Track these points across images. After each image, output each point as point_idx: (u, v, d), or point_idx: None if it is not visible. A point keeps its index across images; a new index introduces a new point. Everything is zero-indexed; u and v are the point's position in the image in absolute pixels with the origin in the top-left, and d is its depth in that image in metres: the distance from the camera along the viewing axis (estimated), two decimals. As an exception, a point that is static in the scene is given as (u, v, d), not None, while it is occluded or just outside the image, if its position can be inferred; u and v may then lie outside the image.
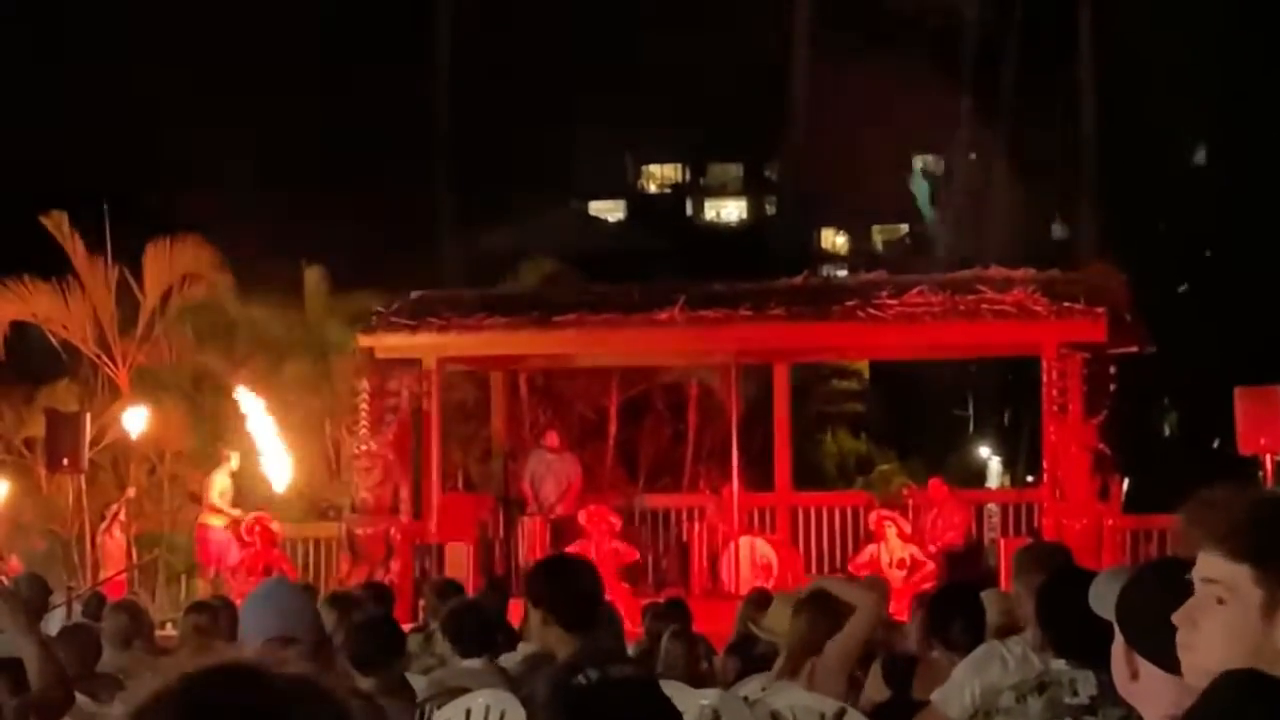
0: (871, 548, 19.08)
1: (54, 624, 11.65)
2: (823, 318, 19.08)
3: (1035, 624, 6.04)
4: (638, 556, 19.75)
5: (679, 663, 10.19)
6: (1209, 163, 48.05)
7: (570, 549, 18.53)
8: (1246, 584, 2.65)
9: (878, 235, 76.79)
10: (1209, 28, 41.49)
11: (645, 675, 6.44)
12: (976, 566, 18.45)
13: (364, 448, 19.50)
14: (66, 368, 24.92)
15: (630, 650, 10.15)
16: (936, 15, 51.64)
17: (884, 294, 19.03)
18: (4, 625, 5.88)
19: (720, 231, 76.72)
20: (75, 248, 24.33)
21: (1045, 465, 18.57)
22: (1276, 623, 2.63)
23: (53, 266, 24.45)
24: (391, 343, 19.67)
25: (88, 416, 21.03)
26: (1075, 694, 5.55)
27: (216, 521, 20.10)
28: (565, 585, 6.02)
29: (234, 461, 20.57)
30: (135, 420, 22.23)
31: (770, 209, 77.59)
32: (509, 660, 8.90)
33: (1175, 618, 2.74)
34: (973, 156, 55.88)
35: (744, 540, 19.15)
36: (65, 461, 20.45)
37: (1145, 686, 3.17)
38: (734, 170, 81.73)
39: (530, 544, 19.69)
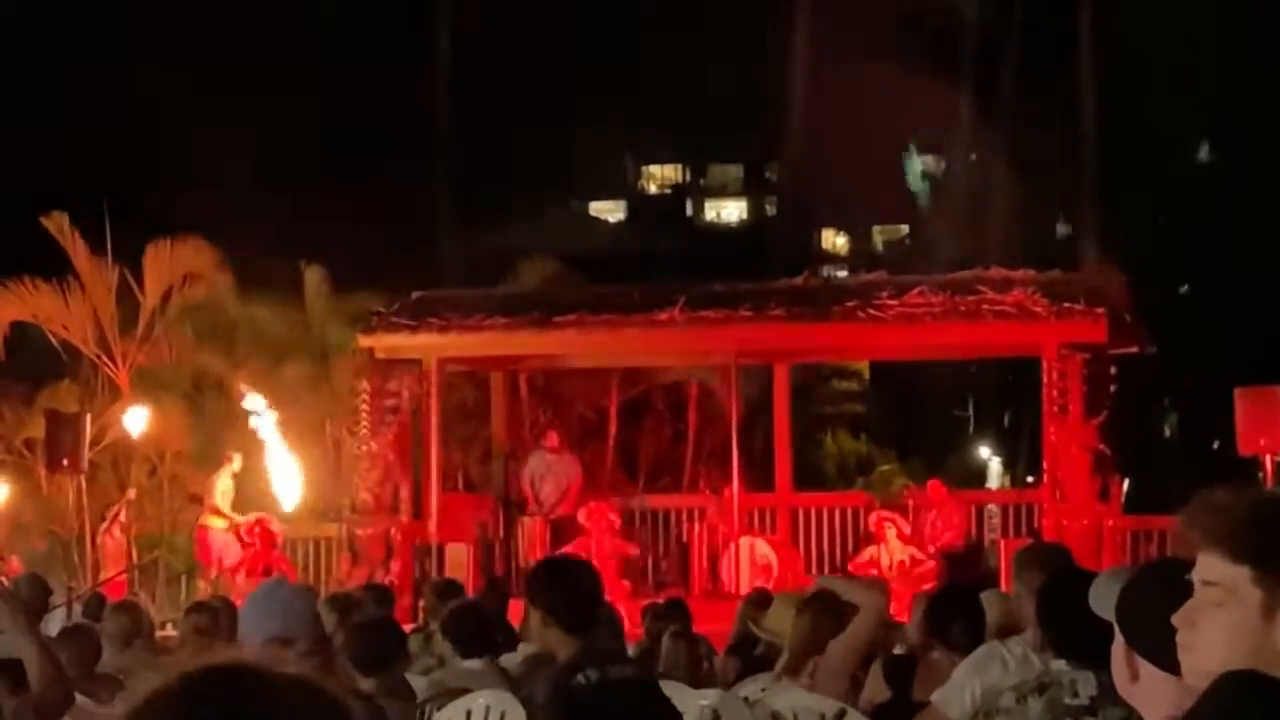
0: (871, 549, 19.09)
1: (54, 625, 11.65)
2: (823, 318, 19.08)
3: (1035, 625, 6.05)
4: (637, 551, 19.76)
5: (679, 663, 10.19)
6: (1209, 163, 48.03)
7: (570, 546, 18.56)
8: (1246, 585, 2.65)
9: (878, 236, 76.79)
10: (1209, 28, 41.46)
11: (645, 676, 6.45)
12: (976, 567, 18.45)
13: (364, 448, 19.50)
14: (67, 368, 24.92)
15: (630, 651, 10.14)
16: (936, 15, 51.60)
17: (884, 294, 19.04)
18: (4, 626, 5.88)
19: (720, 232, 76.73)
20: (76, 248, 24.33)
21: (1045, 466, 18.57)
22: (1276, 623, 2.63)
23: (53, 267, 24.45)
24: (392, 343, 19.67)
25: (88, 417, 21.02)
26: (1075, 695, 5.54)
27: (217, 523, 20.09)
28: (565, 586, 6.02)
29: (236, 463, 20.56)
30: (135, 421, 22.22)
31: (770, 209, 77.62)
32: (509, 661, 8.90)
33: (1175, 619, 2.74)
34: (973, 157, 55.87)
35: (744, 541, 19.15)
36: (65, 462, 20.44)
37: (1145, 687, 3.17)
38: (734, 171, 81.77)
39: (530, 545, 19.69)
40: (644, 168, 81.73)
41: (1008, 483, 43.28)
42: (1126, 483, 21.91)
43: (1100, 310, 18.23)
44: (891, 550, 18.88)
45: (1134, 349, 18.97)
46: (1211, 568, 2.69)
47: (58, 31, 47.33)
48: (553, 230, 44.83)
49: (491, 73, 56.20)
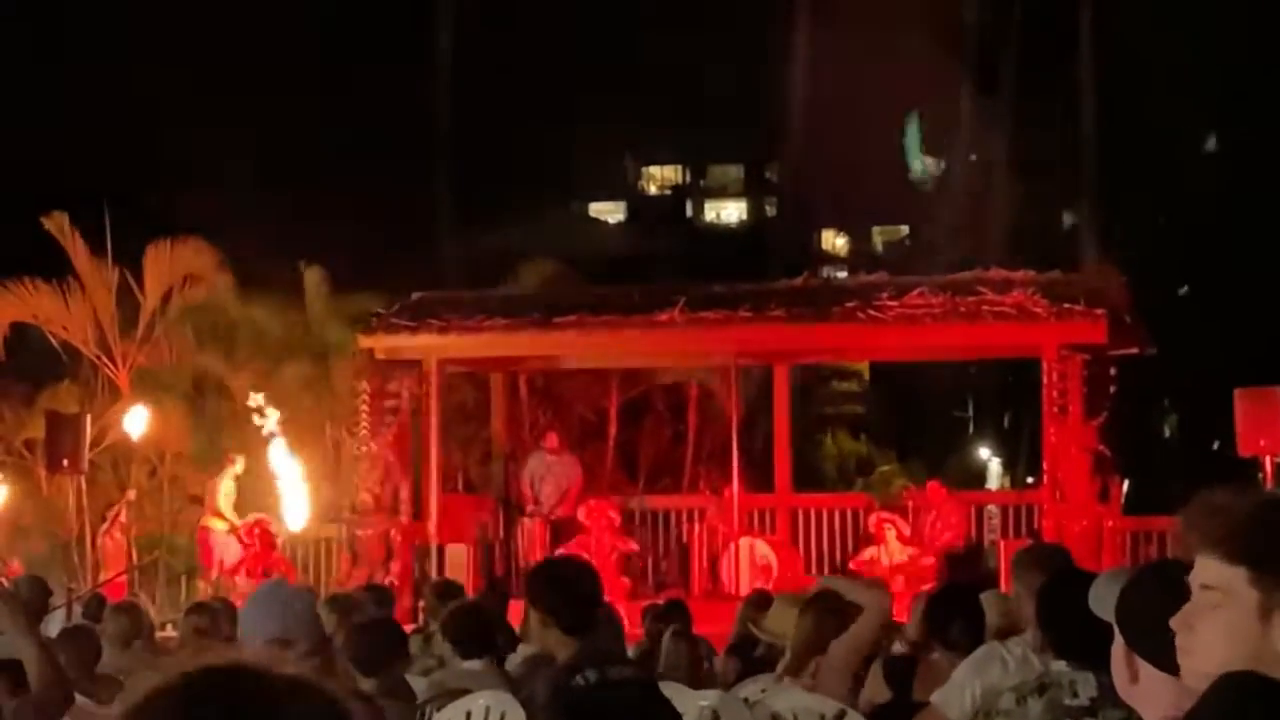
0: (871, 549, 19.08)
1: (54, 626, 11.65)
2: (823, 319, 19.07)
3: (1035, 625, 6.04)
4: (637, 548, 19.76)
5: (679, 664, 10.19)
6: (1209, 163, 48.02)
7: (570, 544, 18.56)
8: (1243, 586, 2.65)
9: (878, 236, 76.86)
10: (1209, 27, 41.47)
11: (645, 676, 6.45)
12: (976, 568, 18.45)
13: (364, 449, 19.50)
14: (67, 369, 24.92)
15: (630, 651, 10.14)
16: (937, 16, 51.63)
17: (884, 295, 19.02)
18: (4, 627, 5.87)
19: (720, 233, 76.76)
20: (76, 248, 24.33)
21: (1045, 467, 18.56)
22: (1273, 625, 2.63)
23: (53, 268, 24.46)
24: (392, 344, 19.66)
25: (88, 418, 21.01)
26: (1075, 695, 5.54)
27: (218, 524, 20.08)
28: (565, 587, 6.02)
29: (239, 465, 20.54)
30: (136, 422, 22.20)
31: (770, 210, 77.69)
32: (509, 662, 8.90)
33: (1173, 622, 2.74)
34: (973, 157, 55.89)
35: (744, 541, 19.14)
36: (65, 463, 20.43)
37: (1145, 688, 3.17)
38: (734, 172, 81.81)
39: (530, 545, 19.69)
40: (644, 168, 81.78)
41: (1007, 483, 43.32)
42: (1126, 484, 21.91)
43: (1100, 311, 18.22)
44: (891, 551, 18.87)
45: (1134, 350, 18.97)
46: (1209, 570, 2.69)
47: (58, 31, 47.35)
48: (553, 231, 44.80)
49: (492, 73, 56.23)
